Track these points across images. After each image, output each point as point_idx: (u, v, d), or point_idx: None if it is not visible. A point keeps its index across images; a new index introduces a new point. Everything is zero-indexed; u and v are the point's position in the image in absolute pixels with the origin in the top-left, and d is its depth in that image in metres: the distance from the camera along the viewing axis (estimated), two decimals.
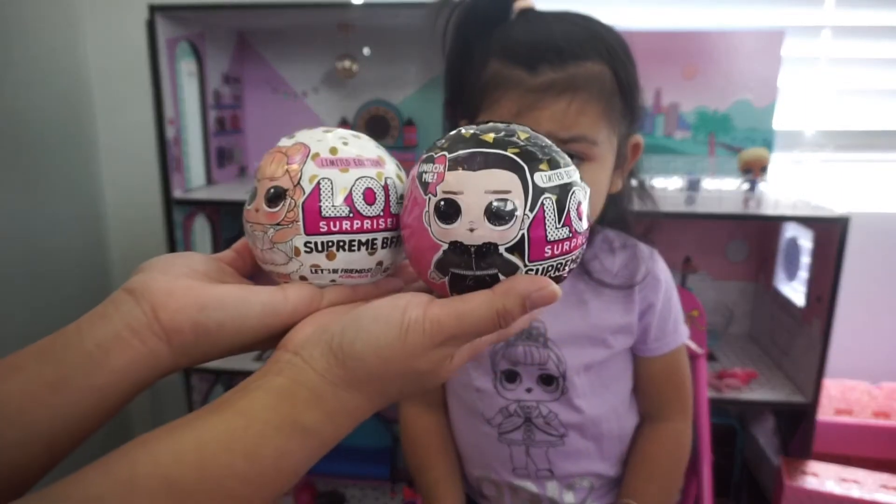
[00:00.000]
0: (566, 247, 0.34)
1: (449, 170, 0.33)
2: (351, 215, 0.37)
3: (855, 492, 1.00)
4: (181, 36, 1.11)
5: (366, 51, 1.28)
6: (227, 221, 1.29)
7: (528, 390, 0.72)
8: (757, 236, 1.29)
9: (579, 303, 0.72)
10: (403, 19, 1.18)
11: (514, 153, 0.33)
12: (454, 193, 0.33)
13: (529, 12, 0.67)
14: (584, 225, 0.35)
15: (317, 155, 0.37)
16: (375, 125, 1.30)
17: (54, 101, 1.26)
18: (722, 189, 1.14)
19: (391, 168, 0.40)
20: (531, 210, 0.32)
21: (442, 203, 0.33)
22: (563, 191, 0.33)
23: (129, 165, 1.39)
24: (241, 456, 0.30)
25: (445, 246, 0.33)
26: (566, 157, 0.35)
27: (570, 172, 0.34)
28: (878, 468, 1.08)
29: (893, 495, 0.99)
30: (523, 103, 0.61)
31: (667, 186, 1.17)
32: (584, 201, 0.35)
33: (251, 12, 1.11)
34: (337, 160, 0.37)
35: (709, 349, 1.22)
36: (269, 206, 0.37)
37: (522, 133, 0.35)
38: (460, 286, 0.34)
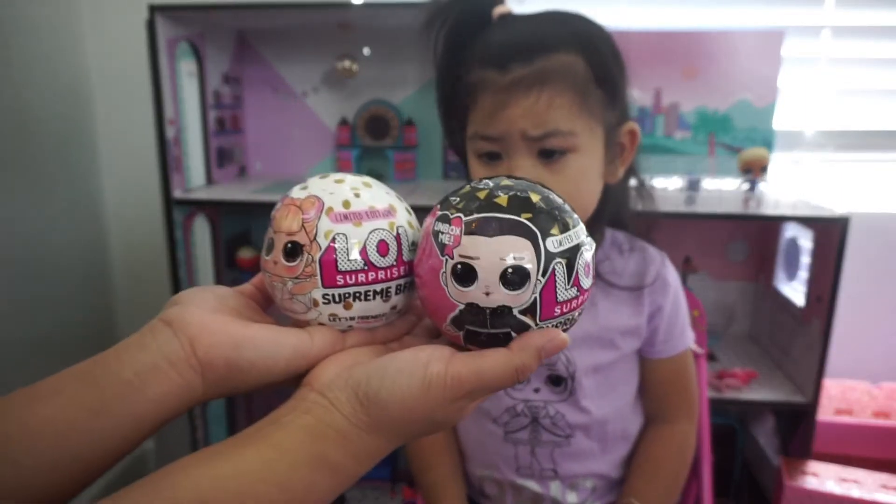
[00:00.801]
0: (574, 304, 0.37)
1: (465, 234, 0.35)
2: (366, 268, 0.39)
3: (855, 492, 1.00)
4: (181, 36, 1.11)
5: (366, 51, 1.28)
6: (226, 221, 1.29)
7: (536, 390, 0.72)
8: (757, 236, 1.29)
9: (589, 304, 0.72)
10: (403, 19, 1.18)
11: (527, 219, 0.35)
12: (470, 258, 0.35)
13: (507, 16, 0.68)
14: (590, 281, 0.37)
15: (330, 209, 0.39)
16: (375, 125, 1.30)
17: (54, 101, 1.26)
18: (722, 189, 1.14)
19: (402, 216, 0.41)
20: (543, 275, 0.35)
21: (459, 267, 0.35)
22: (573, 253, 0.36)
23: (129, 165, 1.39)
24: (276, 486, 0.32)
25: (462, 306, 0.36)
26: (574, 215, 0.38)
27: (578, 233, 0.37)
28: (877, 468, 1.08)
29: (893, 495, 0.99)
30: (495, 103, 0.63)
31: (667, 186, 1.17)
32: (590, 259, 0.37)
33: (251, 12, 1.11)
34: (350, 214, 0.39)
35: (709, 349, 1.22)
36: (287, 261, 0.39)
37: (535, 195, 0.37)
38: (474, 340, 0.37)
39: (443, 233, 0.37)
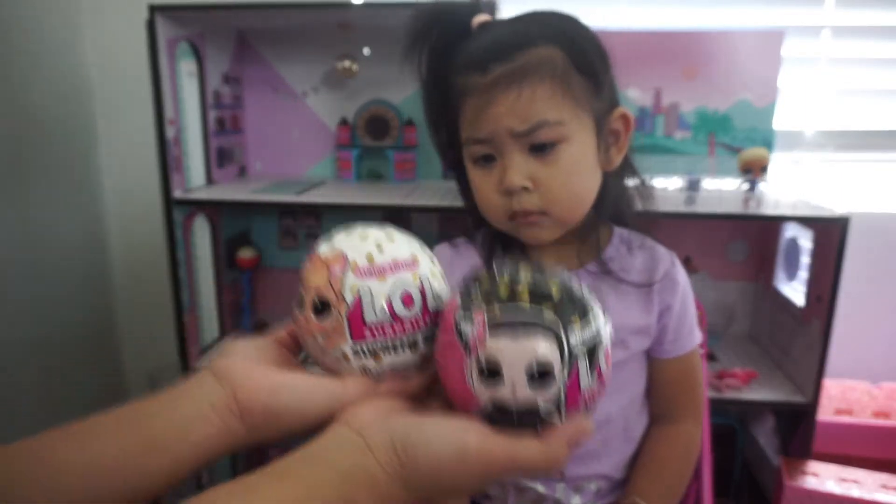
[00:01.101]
0: (595, 392, 0.38)
1: (490, 335, 0.36)
2: (392, 321, 0.41)
3: (855, 492, 1.00)
4: (181, 36, 1.11)
5: (366, 51, 1.28)
6: (227, 221, 1.29)
7: None
8: (757, 236, 1.29)
9: None
10: (403, 19, 1.17)
11: (549, 315, 0.36)
12: (495, 358, 0.36)
13: (486, 24, 0.69)
14: (609, 367, 0.39)
15: (355, 265, 0.41)
16: (375, 125, 1.30)
17: (54, 101, 1.26)
18: (722, 189, 1.14)
19: (426, 266, 0.43)
20: (568, 371, 0.36)
21: (485, 366, 0.36)
22: (594, 341, 0.37)
23: (129, 165, 1.39)
24: None
25: (488, 403, 0.37)
26: (592, 300, 0.39)
27: (597, 319, 0.38)
28: (877, 468, 1.08)
29: (893, 495, 0.99)
30: (479, 104, 0.64)
31: (667, 186, 1.17)
32: (609, 342, 0.39)
33: (251, 12, 1.11)
34: (374, 269, 0.41)
35: (709, 349, 1.22)
36: (317, 317, 0.41)
37: (554, 286, 0.37)
38: (501, 428, 0.38)
39: (465, 329, 0.37)
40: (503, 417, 0.37)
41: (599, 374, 0.38)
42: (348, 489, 0.34)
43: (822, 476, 1.04)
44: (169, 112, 1.07)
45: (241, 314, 1.35)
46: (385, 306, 0.40)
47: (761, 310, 1.30)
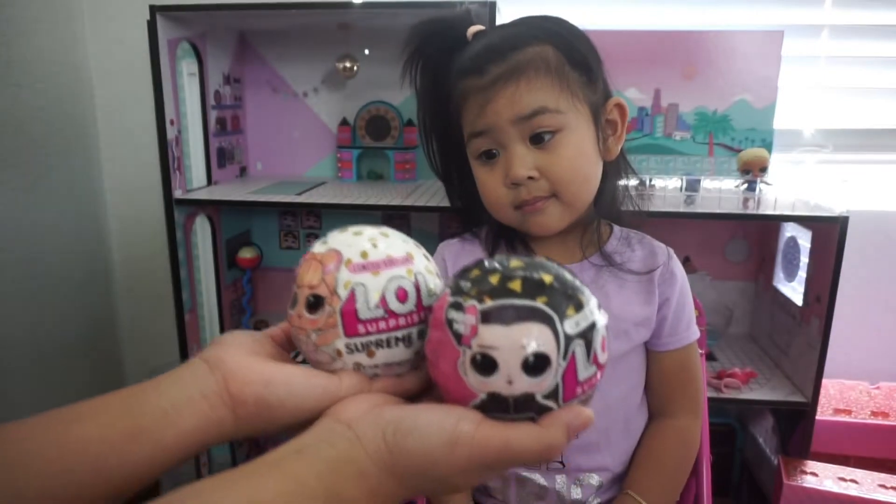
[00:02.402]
0: (593, 381, 0.37)
1: (482, 323, 0.35)
2: (386, 316, 0.40)
3: (853, 491, 1.01)
4: (182, 36, 1.11)
5: (366, 51, 1.28)
6: (227, 221, 1.30)
7: None
8: (756, 236, 1.29)
9: (602, 295, 0.73)
10: (403, 19, 1.18)
11: (543, 303, 0.35)
12: (490, 348, 0.35)
13: (480, 33, 0.73)
14: (606, 355, 0.38)
15: (349, 261, 0.40)
16: (375, 125, 1.30)
17: (55, 101, 1.27)
18: (721, 189, 1.14)
19: (420, 263, 0.42)
20: (564, 359, 0.35)
21: (479, 357, 0.35)
22: (590, 330, 0.36)
23: (129, 165, 1.39)
24: None
25: (483, 396, 0.36)
26: (586, 290, 0.38)
27: (591, 307, 0.37)
28: (876, 467, 1.08)
29: (892, 494, 1.00)
30: (480, 102, 0.67)
31: (666, 186, 1.17)
32: (605, 332, 0.37)
33: (251, 12, 1.11)
34: (368, 264, 0.40)
35: (708, 349, 1.23)
36: (310, 313, 0.40)
37: (547, 276, 0.36)
38: (496, 420, 0.36)
39: (457, 321, 0.36)
40: (499, 410, 0.35)
41: (596, 363, 0.37)
42: (335, 481, 0.34)
43: (820, 475, 1.05)
44: (169, 112, 1.08)
45: (242, 314, 1.36)
46: (379, 301, 0.40)
47: (760, 309, 1.30)
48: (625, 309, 0.73)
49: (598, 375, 0.37)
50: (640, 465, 0.75)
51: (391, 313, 0.40)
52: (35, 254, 1.24)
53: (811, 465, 1.07)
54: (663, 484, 0.74)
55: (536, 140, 0.67)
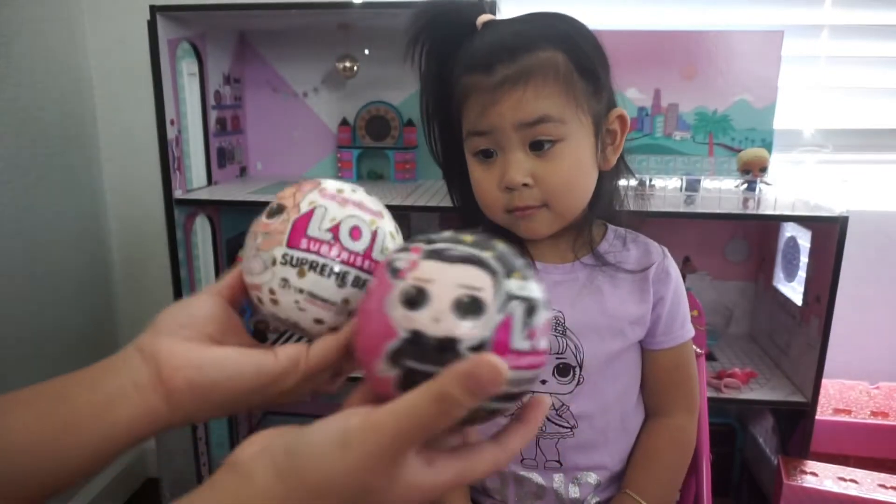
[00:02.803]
0: (526, 362, 0.33)
1: (424, 258, 0.33)
2: (332, 241, 0.40)
3: (853, 491, 1.01)
4: (182, 36, 1.11)
5: (366, 51, 1.28)
6: (227, 221, 1.30)
7: (543, 381, 0.73)
8: (756, 236, 1.29)
9: (596, 293, 0.74)
10: (403, 19, 1.18)
11: (489, 256, 0.33)
12: (425, 281, 0.32)
13: (490, 23, 0.70)
14: (545, 345, 0.34)
15: (324, 189, 0.41)
16: (375, 125, 1.30)
17: (55, 101, 1.27)
18: (721, 189, 1.14)
19: (388, 223, 0.43)
20: (499, 312, 0.31)
21: (411, 289, 0.32)
22: (533, 304, 0.33)
23: (129, 165, 1.40)
24: None
25: (405, 334, 0.32)
26: (535, 278, 0.35)
27: (538, 291, 0.34)
28: (876, 467, 1.08)
29: (891, 494, 1.00)
30: (484, 102, 0.66)
31: (666, 186, 1.17)
32: (547, 323, 0.35)
33: (251, 12, 1.11)
34: (339, 197, 0.41)
35: (708, 349, 1.23)
36: (267, 218, 0.42)
37: (501, 245, 0.35)
38: (409, 384, 0.31)
39: (399, 260, 0.34)
40: (417, 356, 0.31)
41: (534, 344, 0.33)
42: None
43: (820, 475, 1.05)
44: (170, 112, 1.08)
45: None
46: (331, 227, 0.40)
47: (760, 309, 1.30)
48: (619, 308, 0.73)
49: (535, 361, 0.33)
50: (638, 465, 0.75)
51: (338, 243, 0.40)
52: (35, 253, 1.24)
53: (811, 465, 1.07)
54: (661, 482, 0.74)
55: (536, 147, 0.66)
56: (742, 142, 1.18)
